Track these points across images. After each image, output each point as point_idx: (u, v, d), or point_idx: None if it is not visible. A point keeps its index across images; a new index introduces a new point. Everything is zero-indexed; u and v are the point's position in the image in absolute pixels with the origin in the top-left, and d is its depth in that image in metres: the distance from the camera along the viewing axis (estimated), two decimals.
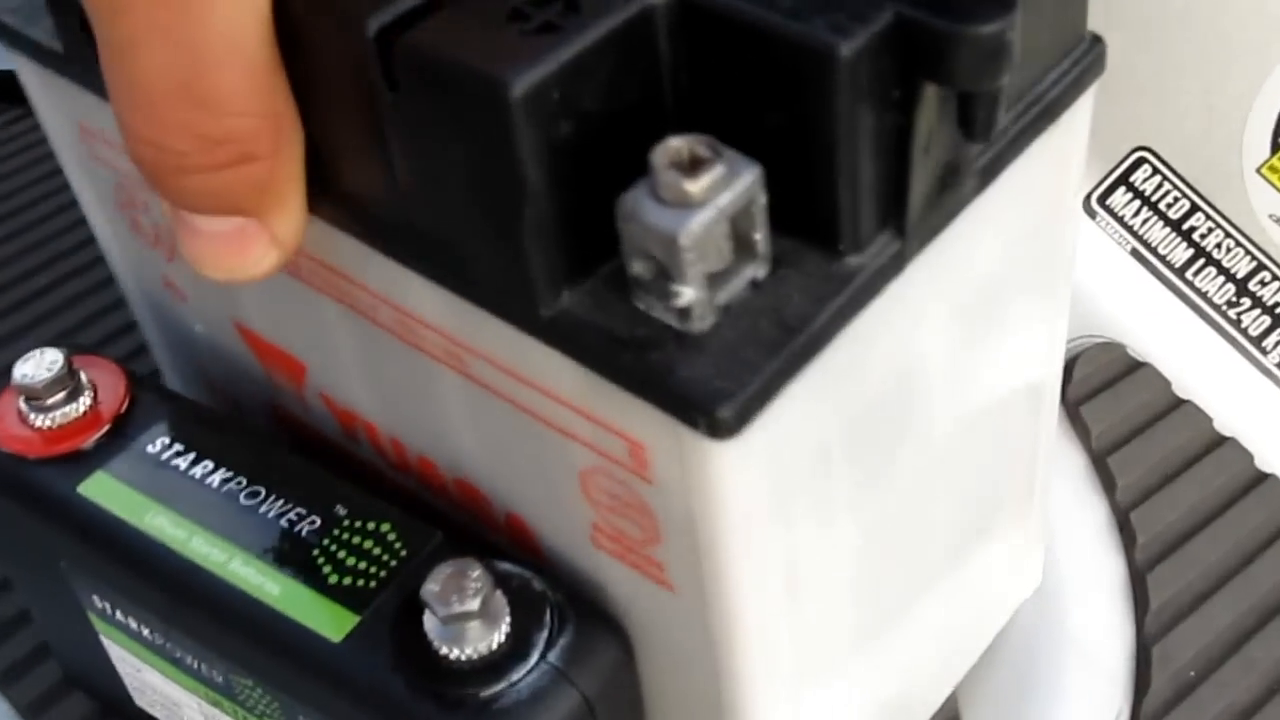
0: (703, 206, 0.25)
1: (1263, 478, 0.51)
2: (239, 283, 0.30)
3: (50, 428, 0.37)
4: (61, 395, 0.37)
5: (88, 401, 0.37)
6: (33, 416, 0.37)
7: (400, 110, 0.27)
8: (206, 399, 0.45)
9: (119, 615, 0.38)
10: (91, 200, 0.41)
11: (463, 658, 0.31)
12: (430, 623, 0.32)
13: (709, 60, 0.27)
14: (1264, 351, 0.53)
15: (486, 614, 0.32)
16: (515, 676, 0.31)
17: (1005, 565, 0.44)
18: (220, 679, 0.36)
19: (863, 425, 0.31)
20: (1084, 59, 0.32)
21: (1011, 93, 0.30)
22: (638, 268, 0.26)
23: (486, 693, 0.31)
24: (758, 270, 0.27)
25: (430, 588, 0.31)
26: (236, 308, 0.39)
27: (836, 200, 0.26)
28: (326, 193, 0.30)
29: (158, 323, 0.44)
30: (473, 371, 0.32)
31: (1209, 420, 0.52)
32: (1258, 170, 0.51)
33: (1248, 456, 0.51)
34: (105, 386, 0.38)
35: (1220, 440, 0.51)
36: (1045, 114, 0.31)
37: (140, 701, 0.41)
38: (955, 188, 0.29)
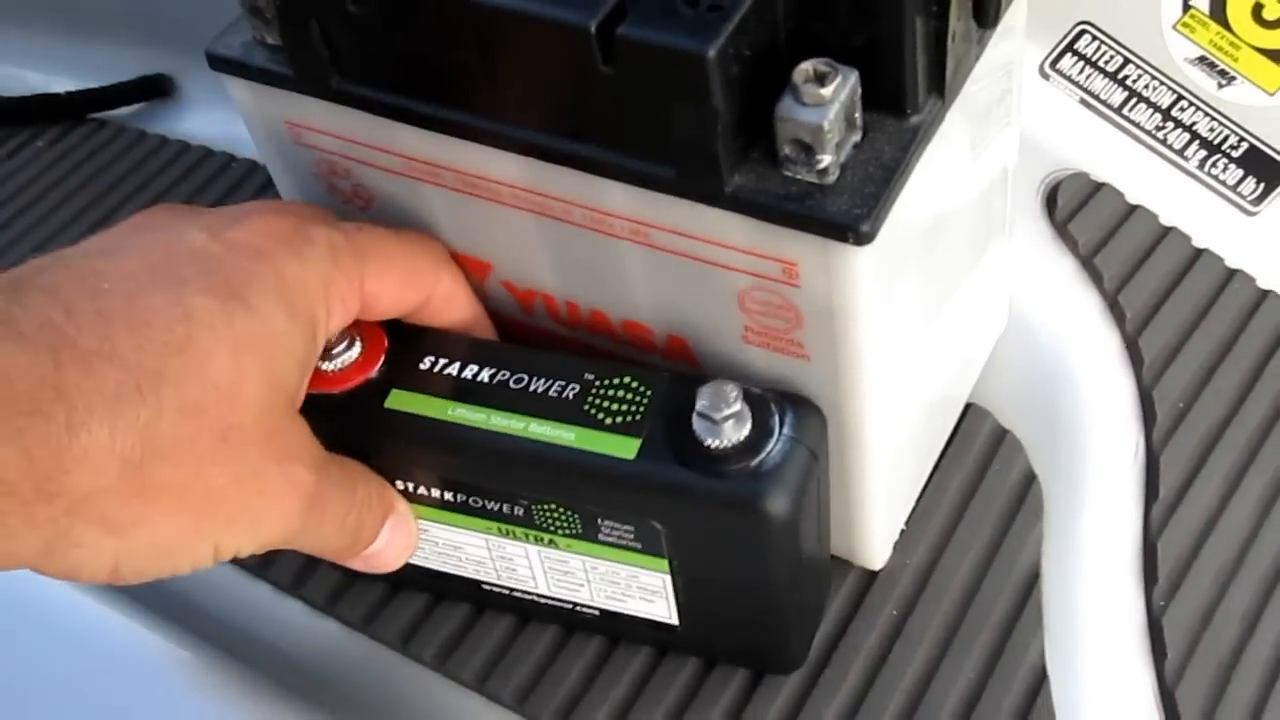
0: (832, 103, 0.41)
1: (1199, 253, 0.69)
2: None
3: (337, 370, 0.52)
4: (342, 345, 0.52)
5: (359, 347, 0.53)
6: (323, 365, 0.52)
7: (618, 79, 0.42)
8: None
9: (420, 490, 0.53)
10: (284, 171, 0.56)
11: (729, 446, 0.48)
12: (701, 426, 0.48)
13: (807, 7, 0.43)
14: (1186, 159, 0.70)
15: (739, 414, 0.48)
16: (768, 448, 0.48)
17: (992, 306, 0.62)
18: (521, 511, 0.52)
19: (927, 220, 0.48)
20: None
21: None
22: (788, 149, 0.42)
23: (753, 463, 0.48)
24: (857, 136, 0.43)
25: (702, 403, 0.47)
26: (432, 233, 0.54)
27: (903, 83, 0.43)
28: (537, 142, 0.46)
29: None
30: (653, 241, 0.48)
31: (1156, 216, 0.70)
32: (1173, 27, 0.68)
33: (1187, 239, 0.70)
34: (366, 334, 0.53)
35: (1167, 230, 0.70)
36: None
37: (416, 558, 0.57)
38: (968, 58, 0.45)
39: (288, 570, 0.62)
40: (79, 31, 0.92)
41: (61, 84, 0.91)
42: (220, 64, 0.51)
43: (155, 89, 0.90)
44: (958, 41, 0.43)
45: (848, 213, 0.42)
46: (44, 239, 0.81)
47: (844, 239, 0.42)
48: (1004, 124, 0.54)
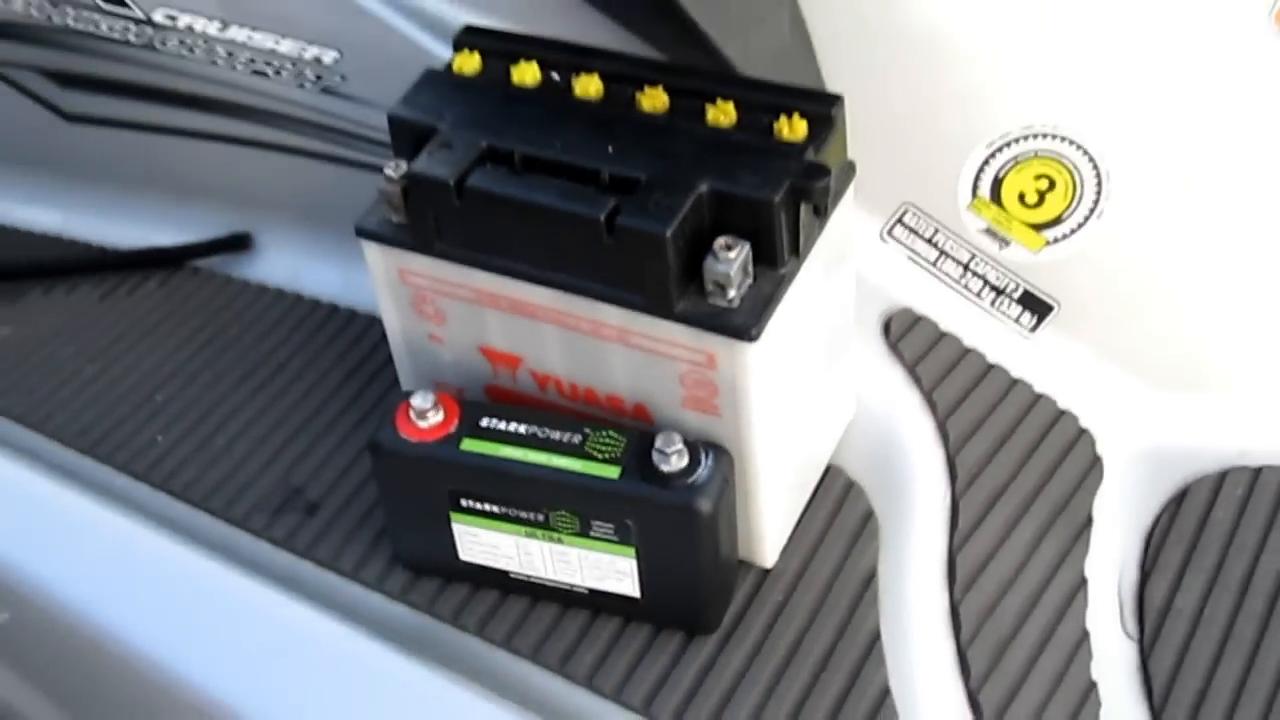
0: (735, 261, 0.74)
1: (991, 367, 1.02)
2: None
3: (430, 427, 0.84)
4: (430, 410, 0.84)
5: (443, 413, 0.84)
6: (419, 421, 0.84)
7: (616, 243, 0.75)
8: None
9: (478, 505, 0.84)
10: (390, 300, 0.88)
11: (675, 471, 0.79)
12: (657, 459, 0.80)
13: (721, 208, 0.76)
14: (980, 299, 1.03)
15: (680, 451, 0.80)
16: (698, 473, 0.80)
17: (843, 396, 0.96)
18: (541, 518, 0.83)
19: (794, 331, 0.81)
20: (849, 174, 0.82)
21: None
22: (710, 287, 0.75)
23: (689, 482, 0.80)
24: (750, 280, 0.76)
25: (658, 445, 0.79)
26: (484, 340, 0.86)
27: (775, 250, 0.76)
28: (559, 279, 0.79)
29: (414, 359, 0.91)
30: (629, 341, 0.80)
31: (960, 339, 1.02)
32: (967, 207, 1.01)
33: (982, 355, 1.02)
34: (445, 404, 0.85)
35: (968, 350, 1.02)
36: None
37: (465, 556, 0.88)
38: (813, 235, 0.79)
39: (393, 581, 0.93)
40: (180, 197, 1.24)
41: (167, 239, 1.23)
42: (364, 233, 0.84)
43: (238, 243, 1.22)
44: (805, 226, 0.77)
45: (744, 324, 0.75)
46: (160, 360, 1.12)
47: (742, 339, 0.75)
48: (845, 272, 0.88)
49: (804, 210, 0.76)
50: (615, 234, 0.75)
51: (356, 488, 0.98)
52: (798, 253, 0.78)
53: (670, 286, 0.75)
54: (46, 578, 0.94)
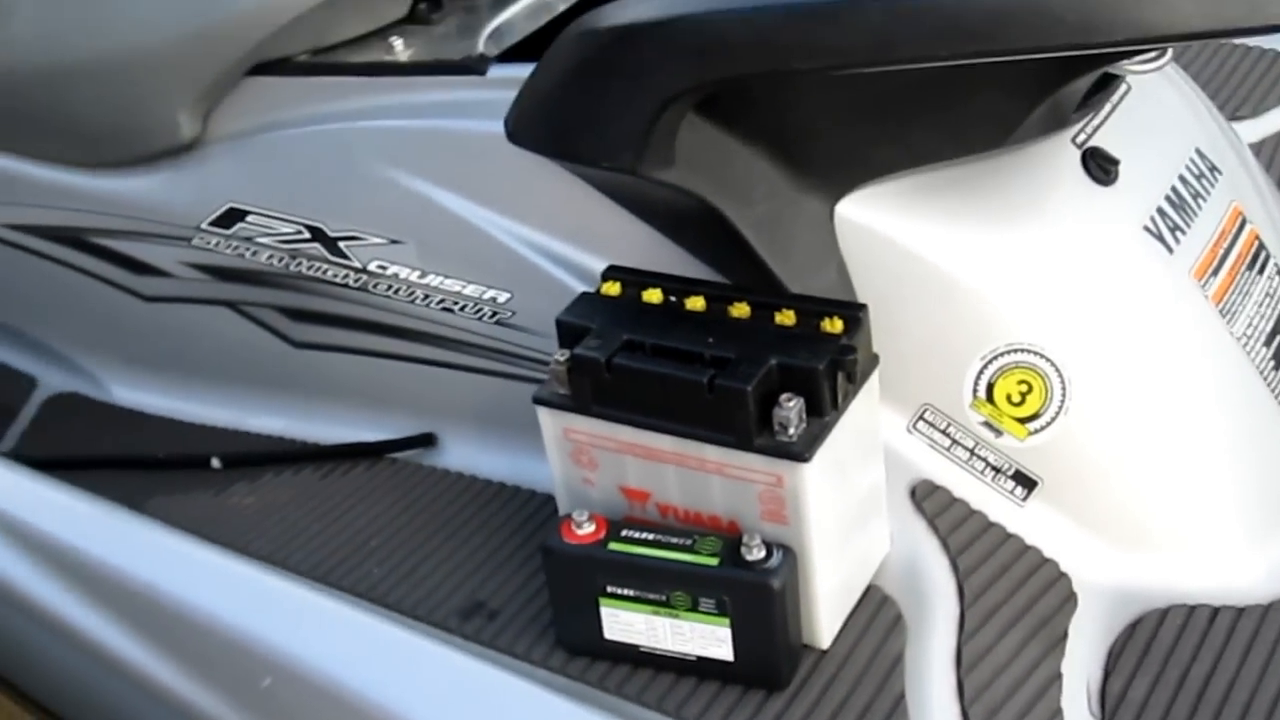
0: (794, 410, 1.15)
1: (992, 524, 1.40)
2: None
3: (586, 534, 1.22)
4: (585, 523, 1.23)
5: (594, 524, 1.23)
6: (577, 530, 1.23)
7: (715, 399, 1.15)
8: None
9: (619, 591, 1.23)
10: (556, 452, 1.28)
11: (756, 559, 1.18)
12: (745, 553, 1.18)
13: (785, 376, 1.16)
14: (982, 475, 1.32)
15: (760, 546, 1.19)
16: (773, 561, 1.19)
17: (880, 532, 1.34)
18: (664, 598, 1.22)
19: (839, 463, 1.20)
20: (874, 361, 1.23)
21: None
22: (778, 427, 1.15)
23: (767, 567, 1.18)
24: (804, 423, 1.16)
25: (744, 543, 1.18)
26: (623, 480, 1.26)
27: (823, 403, 1.16)
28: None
29: (571, 499, 1.31)
30: (725, 471, 1.20)
31: (968, 503, 1.37)
32: (969, 405, 1.36)
33: (983, 515, 1.41)
34: (597, 519, 1.24)
35: (973, 511, 1.37)
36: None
37: (608, 634, 1.26)
38: (848, 393, 1.19)
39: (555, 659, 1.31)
40: (380, 404, 1.65)
41: (370, 436, 1.64)
42: (540, 401, 1.25)
43: (426, 440, 1.63)
44: (841, 388, 1.17)
45: (800, 451, 1.15)
46: (369, 519, 1.52)
47: (799, 461, 1.15)
48: (873, 430, 1.27)
49: (841, 377, 1.17)
50: (714, 392, 1.16)
51: (525, 602, 1.37)
52: (836, 406, 1.18)
53: (751, 428, 1.15)
54: (303, 655, 1.33)
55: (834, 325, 1.20)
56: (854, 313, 1.22)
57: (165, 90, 1.63)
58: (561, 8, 1.64)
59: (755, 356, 1.18)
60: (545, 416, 1.27)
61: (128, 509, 1.47)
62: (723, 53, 1.14)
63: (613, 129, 1.21)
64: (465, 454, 1.59)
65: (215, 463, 1.66)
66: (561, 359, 1.24)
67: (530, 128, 1.30)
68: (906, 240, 1.32)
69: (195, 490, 1.63)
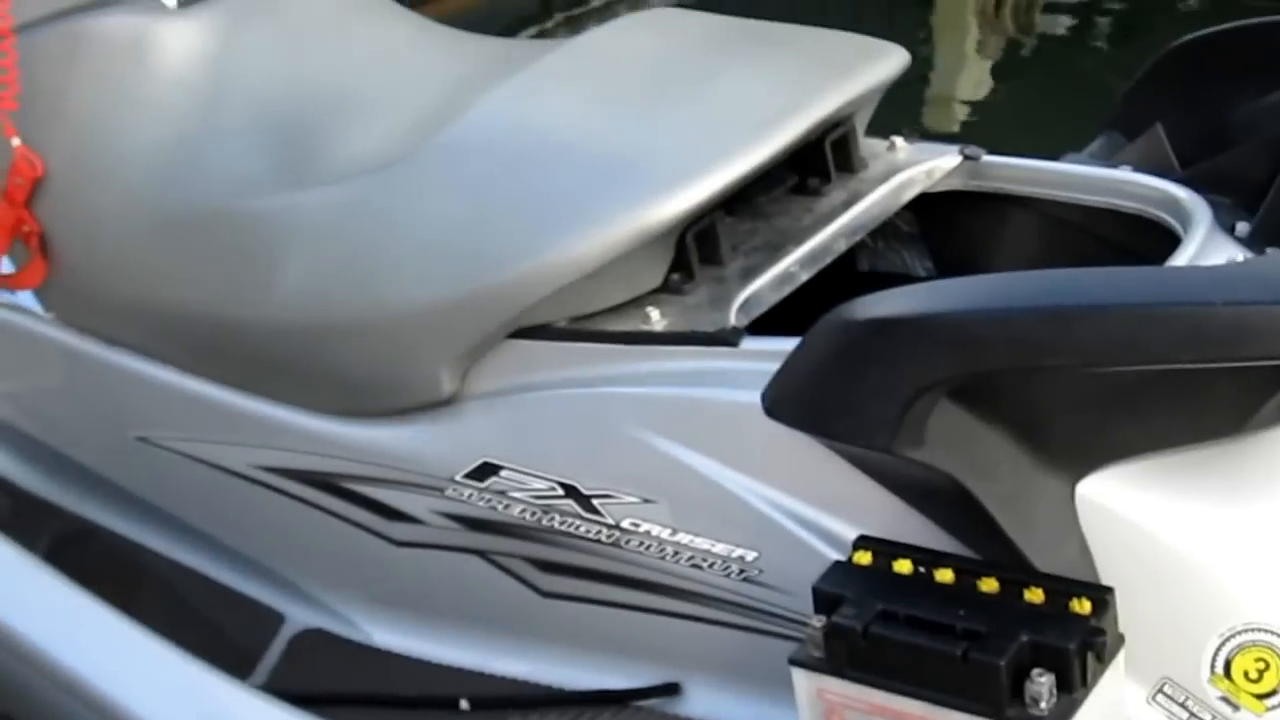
0: (1046, 685, 1.22)
1: None
2: None
3: None
4: None
5: None
6: None
7: (968, 671, 1.23)
8: None
9: None
10: (808, 711, 1.37)
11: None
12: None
13: (1036, 652, 1.24)
14: None
15: None
16: None
17: None
18: None
19: None
20: (1120, 641, 1.30)
21: None
22: (1029, 700, 1.23)
23: None
24: (1055, 698, 1.23)
25: None
26: None
27: (1073, 680, 1.24)
28: None
29: None
30: None
31: None
32: (1207, 681, 1.45)
33: None
34: None
35: None
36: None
37: None
38: (1097, 672, 1.26)
39: None
40: (626, 652, 1.73)
41: (616, 684, 1.74)
42: (796, 662, 1.34)
43: (670, 689, 1.71)
44: (1090, 667, 1.24)
45: None
46: None
47: None
48: (1118, 714, 1.34)
49: (1090, 656, 1.24)
50: (968, 664, 1.24)
51: None
52: (1085, 683, 1.25)
53: (1003, 700, 1.23)
54: None
55: (1082, 606, 1.28)
56: (1102, 595, 1.30)
57: (430, 349, 1.74)
58: (804, 278, 1.75)
59: (1006, 632, 1.26)
60: (800, 677, 1.35)
61: None
62: (977, 349, 1.25)
63: (870, 411, 1.31)
64: (708, 703, 1.68)
65: (464, 704, 1.77)
66: (818, 624, 1.33)
67: (789, 405, 1.41)
68: (1145, 521, 1.40)
69: None
